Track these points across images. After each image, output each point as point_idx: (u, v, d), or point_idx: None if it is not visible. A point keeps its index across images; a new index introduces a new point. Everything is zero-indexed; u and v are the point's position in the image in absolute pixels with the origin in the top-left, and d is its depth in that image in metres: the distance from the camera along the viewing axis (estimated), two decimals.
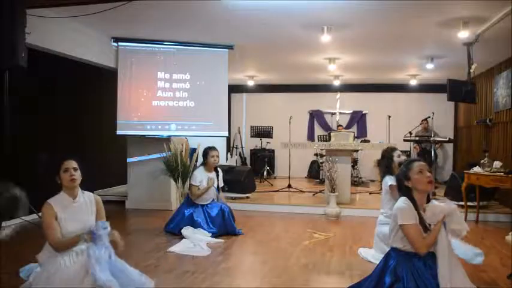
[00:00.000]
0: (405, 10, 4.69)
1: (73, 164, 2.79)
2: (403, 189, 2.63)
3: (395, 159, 3.95)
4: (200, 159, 6.01)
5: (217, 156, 5.07)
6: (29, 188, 4.40)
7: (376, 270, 2.70)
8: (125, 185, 7.10)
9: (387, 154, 4.03)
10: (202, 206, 5.00)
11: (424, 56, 7.08)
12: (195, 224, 4.82)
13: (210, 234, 4.74)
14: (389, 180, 3.88)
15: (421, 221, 2.52)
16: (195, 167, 5.98)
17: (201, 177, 4.99)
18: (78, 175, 2.79)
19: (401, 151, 4.08)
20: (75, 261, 2.61)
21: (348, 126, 10.56)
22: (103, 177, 7.51)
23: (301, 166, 10.31)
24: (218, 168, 5.20)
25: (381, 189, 4.15)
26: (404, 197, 2.60)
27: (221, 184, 5.20)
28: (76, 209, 2.77)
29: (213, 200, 5.08)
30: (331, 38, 5.55)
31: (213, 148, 5.08)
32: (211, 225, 4.87)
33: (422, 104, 9.93)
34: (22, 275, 3.26)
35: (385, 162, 4.02)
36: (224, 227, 4.90)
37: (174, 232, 4.86)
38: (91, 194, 2.94)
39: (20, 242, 4.35)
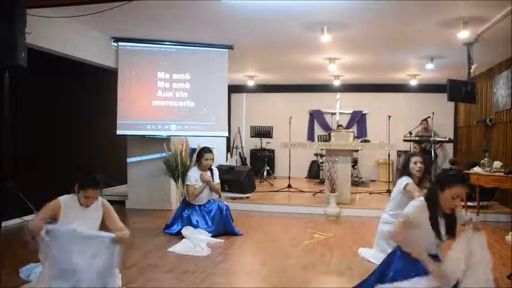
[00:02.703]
0: (405, 10, 4.69)
1: (96, 194, 2.83)
2: (433, 192, 2.56)
3: (411, 165, 3.99)
4: None
5: (211, 159, 5.02)
6: (28, 188, 4.42)
7: (381, 265, 2.71)
8: (125, 185, 7.10)
9: (406, 158, 4.14)
10: (200, 206, 4.99)
11: (424, 56, 7.08)
12: (193, 225, 4.82)
13: (210, 234, 4.74)
14: (406, 180, 3.89)
15: (436, 227, 2.49)
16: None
17: (195, 176, 4.97)
18: (96, 199, 2.85)
19: (403, 151, 4.12)
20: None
21: (348, 126, 10.56)
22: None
23: (301, 166, 10.31)
24: (213, 167, 5.17)
25: (387, 190, 4.16)
26: (425, 200, 2.54)
27: (217, 181, 5.14)
28: (82, 212, 2.79)
29: (209, 200, 5.08)
30: (331, 38, 5.55)
31: (208, 150, 5.03)
32: (210, 224, 4.86)
33: (422, 104, 9.93)
34: (22, 275, 3.26)
35: (403, 165, 4.12)
36: (223, 225, 4.90)
37: (173, 233, 4.87)
38: (99, 198, 2.95)
39: (20, 242, 4.35)
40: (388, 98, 10.49)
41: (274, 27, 5.50)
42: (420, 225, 2.50)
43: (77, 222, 2.72)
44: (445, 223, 2.53)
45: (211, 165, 5.06)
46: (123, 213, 6.43)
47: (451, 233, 2.55)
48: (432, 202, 2.52)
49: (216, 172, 5.14)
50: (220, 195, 5.29)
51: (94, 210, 2.88)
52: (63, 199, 2.83)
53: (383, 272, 2.64)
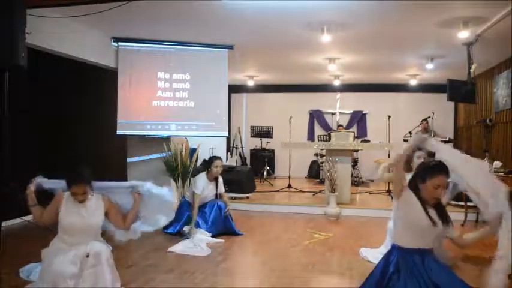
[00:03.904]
0: (405, 10, 4.70)
1: (81, 189, 2.73)
2: (413, 185, 2.58)
3: (415, 159, 3.97)
4: (200, 159, 5.96)
5: (221, 167, 4.98)
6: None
7: (379, 264, 2.71)
8: None
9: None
10: (199, 206, 4.98)
11: (424, 56, 7.08)
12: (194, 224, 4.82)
13: (210, 234, 4.74)
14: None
15: (426, 212, 2.49)
16: (195, 168, 5.96)
17: (203, 185, 4.89)
18: (86, 195, 2.78)
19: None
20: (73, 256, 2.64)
21: (348, 126, 10.56)
22: (103, 177, 7.48)
23: (301, 166, 10.30)
24: (219, 176, 5.14)
25: (387, 190, 4.14)
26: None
27: (222, 190, 5.11)
28: (78, 209, 2.77)
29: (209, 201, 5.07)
30: (331, 38, 5.55)
31: (218, 158, 5.04)
32: (210, 224, 4.86)
33: (422, 104, 9.93)
34: (22, 275, 3.27)
35: (406, 160, 4.05)
36: (223, 224, 4.90)
37: (173, 233, 4.87)
38: (100, 195, 2.90)
39: (20, 242, 4.36)
40: (388, 98, 10.49)
41: (274, 27, 5.50)
42: (412, 202, 2.51)
43: (73, 219, 2.72)
44: (435, 212, 2.54)
45: (218, 175, 5.02)
46: None
47: (445, 220, 2.56)
48: (415, 193, 2.54)
49: (221, 181, 5.10)
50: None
51: (93, 210, 2.83)
52: (67, 193, 2.79)
53: (383, 269, 2.63)
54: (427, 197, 2.52)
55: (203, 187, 4.90)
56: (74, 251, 2.65)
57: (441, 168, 2.54)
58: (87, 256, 2.65)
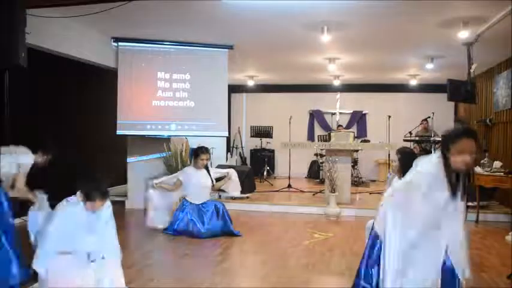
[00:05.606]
0: (405, 10, 4.69)
1: (104, 202, 2.74)
2: (442, 155, 2.30)
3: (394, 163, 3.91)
4: None
5: (207, 159, 5.08)
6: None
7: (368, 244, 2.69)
8: (125, 185, 7.10)
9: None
10: (197, 205, 4.99)
11: (424, 56, 7.08)
12: (190, 223, 4.84)
13: (204, 236, 4.78)
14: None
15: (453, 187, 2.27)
16: None
17: (190, 174, 5.02)
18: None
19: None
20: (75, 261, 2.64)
21: (348, 126, 10.55)
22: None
23: (301, 166, 10.31)
24: (207, 166, 5.19)
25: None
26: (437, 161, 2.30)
27: (214, 176, 5.17)
28: (87, 218, 2.76)
29: (208, 200, 5.09)
30: (331, 38, 5.55)
31: (204, 150, 5.07)
32: (207, 224, 4.87)
33: (422, 104, 9.93)
34: None
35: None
36: (221, 225, 4.91)
37: (173, 234, 4.88)
38: (108, 202, 2.86)
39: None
40: (388, 98, 10.49)
41: (274, 27, 5.50)
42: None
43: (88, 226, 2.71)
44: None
45: (206, 164, 5.11)
46: (123, 213, 6.43)
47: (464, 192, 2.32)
48: (444, 162, 2.28)
49: (211, 170, 5.19)
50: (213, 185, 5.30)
51: (99, 215, 2.80)
52: (66, 203, 2.77)
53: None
54: (455, 167, 2.25)
55: (190, 174, 5.00)
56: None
57: (463, 131, 2.27)
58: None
